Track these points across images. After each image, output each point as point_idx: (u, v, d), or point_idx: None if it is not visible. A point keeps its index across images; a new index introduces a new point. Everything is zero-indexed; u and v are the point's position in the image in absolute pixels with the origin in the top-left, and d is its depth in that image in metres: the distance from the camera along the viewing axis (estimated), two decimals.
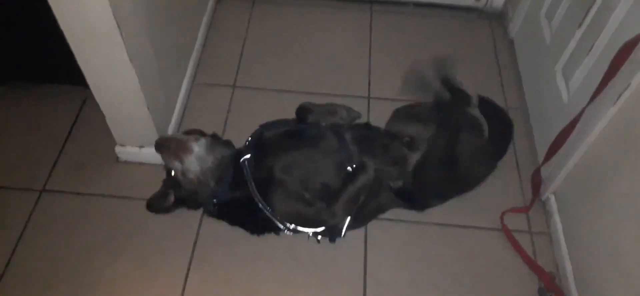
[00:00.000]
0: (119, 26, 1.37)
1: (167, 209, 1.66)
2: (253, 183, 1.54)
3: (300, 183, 1.55)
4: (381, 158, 1.63)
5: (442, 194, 1.76)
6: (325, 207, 1.57)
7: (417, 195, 1.70)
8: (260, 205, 1.55)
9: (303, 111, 1.72)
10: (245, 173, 1.56)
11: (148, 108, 1.66)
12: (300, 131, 1.67)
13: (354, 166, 1.58)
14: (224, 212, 1.67)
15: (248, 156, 1.57)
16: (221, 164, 1.59)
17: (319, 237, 1.64)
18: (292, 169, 1.56)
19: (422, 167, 1.65)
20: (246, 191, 1.55)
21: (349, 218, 1.61)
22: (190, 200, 1.64)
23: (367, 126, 1.83)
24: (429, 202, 1.76)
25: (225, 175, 1.59)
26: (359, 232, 1.73)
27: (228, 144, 1.72)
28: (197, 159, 1.55)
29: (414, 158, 1.67)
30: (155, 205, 1.65)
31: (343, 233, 1.63)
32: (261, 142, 1.62)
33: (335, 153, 1.60)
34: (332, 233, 1.64)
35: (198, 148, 1.56)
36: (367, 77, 2.19)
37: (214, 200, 1.61)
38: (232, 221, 1.69)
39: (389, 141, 1.69)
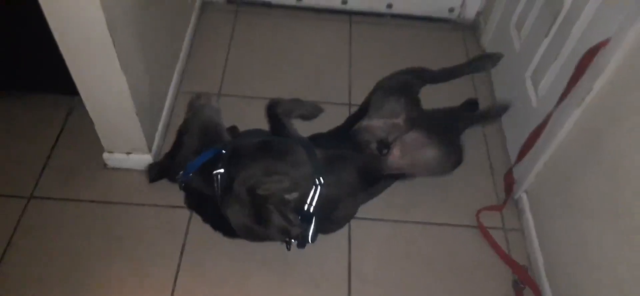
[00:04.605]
0: (112, 36, 1.41)
1: (151, 178, 1.78)
2: (220, 195, 1.57)
3: (256, 196, 1.51)
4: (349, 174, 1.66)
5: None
6: (278, 226, 1.55)
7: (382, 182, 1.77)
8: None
9: (272, 105, 1.71)
10: (215, 186, 1.57)
11: (137, 115, 1.69)
12: (269, 143, 1.64)
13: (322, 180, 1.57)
14: (193, 202, 1.72)
15: (221, 170, 1.57)
16: (209, 132, 1.73)
17: (292, 243, 1.64)
18: (249, 182, 1.52)
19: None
20: (213, 192, 1.59)
21: (312, 226, 1.60)
22: (176, 154, 1.73)
23: (338, 132, 1.84)
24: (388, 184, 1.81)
25: (204, 149, 1.66)
26: (343, 232, 1.79)
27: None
28: (209, 107, 1.80)
29: (389, 157, 1.71)
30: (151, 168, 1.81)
31: (310, 240, 1.62)
32: (233, 154, 1.61)
33: (303, 165, 1.58)
34: (300, 240, 1.63)
35: (214, 103, 1.85)
36: (348, 85, 2.27)
37: (181, 176, 1.66)
38: (204, 218, 1.71)
39: (360, 159, 1.70)
